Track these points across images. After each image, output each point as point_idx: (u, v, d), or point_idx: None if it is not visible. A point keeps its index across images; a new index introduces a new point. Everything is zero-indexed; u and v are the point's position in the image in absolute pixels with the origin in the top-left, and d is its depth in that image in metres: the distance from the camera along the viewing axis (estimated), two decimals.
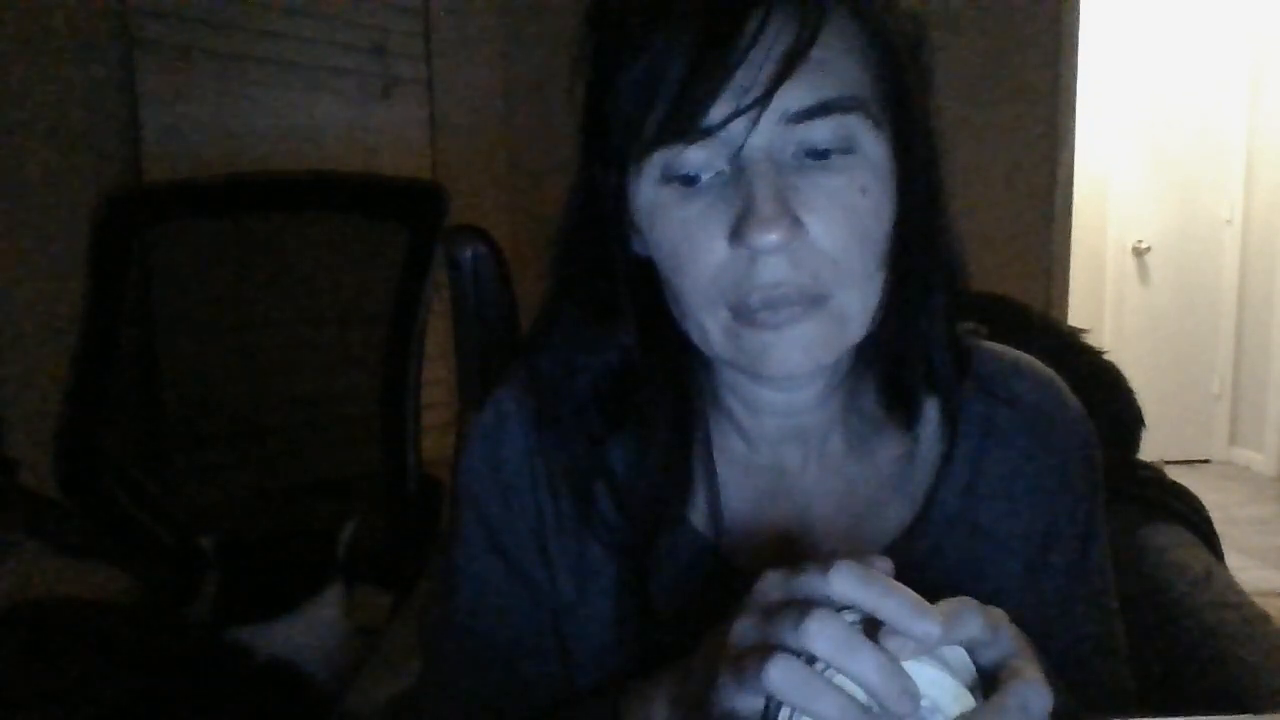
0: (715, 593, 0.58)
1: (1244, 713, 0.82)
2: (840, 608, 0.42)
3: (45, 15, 1.57)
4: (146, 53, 1.72)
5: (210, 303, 1.59)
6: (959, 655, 0.43)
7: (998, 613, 0.44)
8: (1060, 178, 2.77)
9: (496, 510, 0.65)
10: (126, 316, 1.51)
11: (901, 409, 0.63)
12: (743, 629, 0.44)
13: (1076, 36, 2.75)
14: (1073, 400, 0.67)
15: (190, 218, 1.57)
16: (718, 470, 0.63)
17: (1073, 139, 2.80)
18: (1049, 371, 0.67)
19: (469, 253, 1.10)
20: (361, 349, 1.49)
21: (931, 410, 0.64)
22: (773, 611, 0.43)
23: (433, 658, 0.69)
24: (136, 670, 1.13)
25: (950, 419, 0.64)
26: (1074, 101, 2.77)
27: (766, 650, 0.41)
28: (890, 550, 0.62)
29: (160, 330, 1.56)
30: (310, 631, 1.29)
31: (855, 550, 0.46)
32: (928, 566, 0.62)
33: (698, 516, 0.63)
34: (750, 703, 0.43)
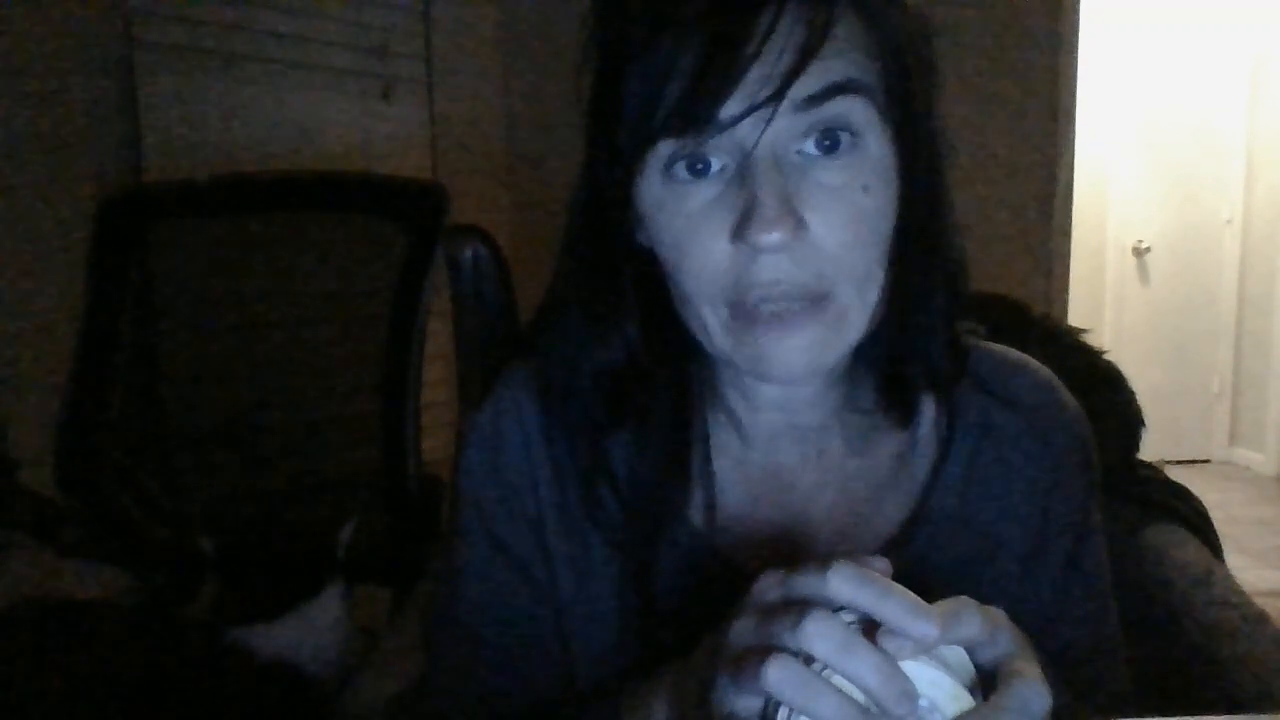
0: (712, 588, 0.59)
1: (1244, 713, 0.82)
2: (838, 608, 0.42)
3: (45, 15, 1.57)
4: (146, 53, 1.72)
5: (210, 303, 1.58)
6: (958, 655, 0.43)
7: (997, 613, 0.44)
8: (1060, 178, 2.77)
9: (496, 508, 0.65)
10: (126, 316, 1.51)
11: (899, 407, 0.63)
12: (741, 629, 0.44)
13: (1076, 37, 2.74)
14: (1071, 401, 0.67)
15: (190, 218, 1.57)
16: (715, 466, 0.64)
17: (1073, 139, 2.80)
18: (1047, 372, 0.68)
19: (469, 253, 1.10)
20: (361, 349, 1.49)
21: (929, 408, 0.65)
22: (771, 612, 0.43)
23: (435, 655, 0.69)
24: (136, 670, 1.13)
25: (948, 417, 0.64)
26: (1074, 102, 2.77)
27: (765, 651, 0.41)
28: (887, 547, 0.62)
29: (160, 330, 1.56)
30: (310, 631, 1.28)
31: (852, 550, 0.46)
32: (924, 563, 0.62)
33: (695, 513, 0.63)
34: (749, 703, 0.43)
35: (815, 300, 0.54)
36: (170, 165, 1.75)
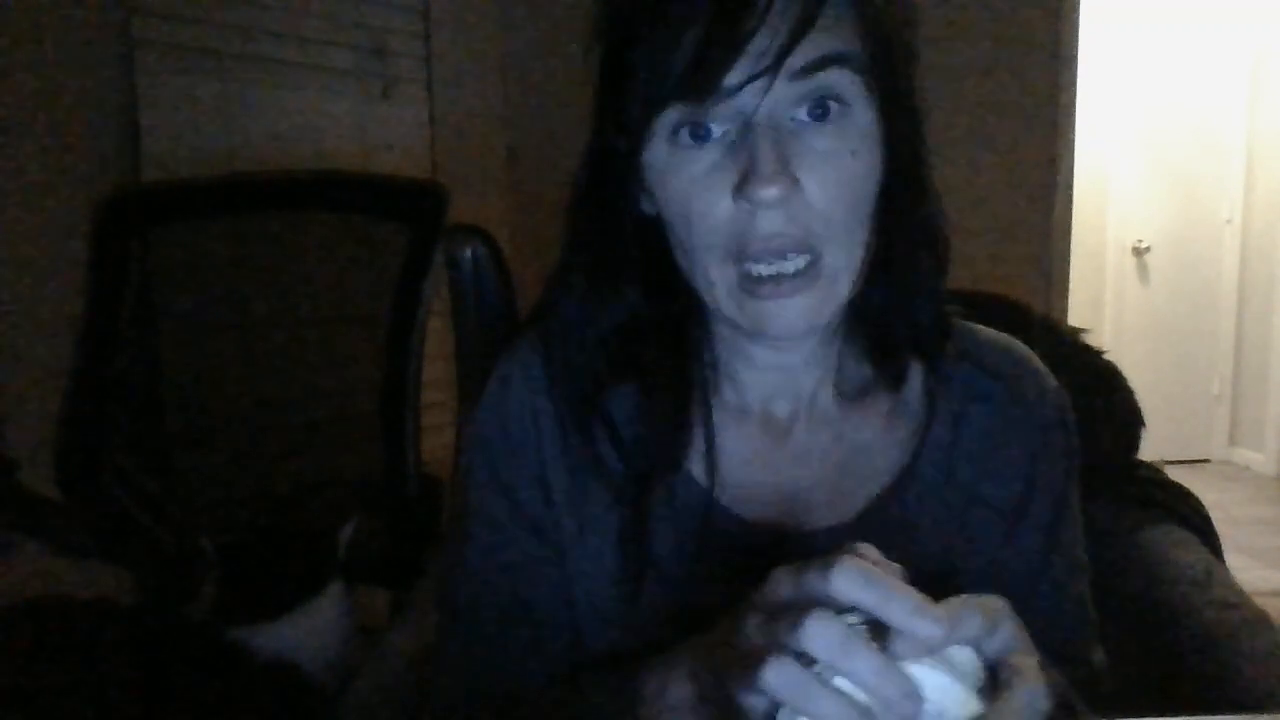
0: (713, 539, 0.64)
1: (1244, 713, 0.83)
2: (850, 608, 0.42)
3: (45, 15, 1.57)
4: (146, 53, 1.72)
5: (210, 303, 1.58)
6: (967, 656, 0.43)
7: (997, 603, 0.45)
8: (1060, 178, 2.76)
9: (503, 462, 0.69)
10: (126, 316, 1.51)
11: (888, 370, 0.67)
12: (749, 628, 0.45)
13: (1076, 37, 2.74)
14: (1050, 377, 0.70)
15: (190, 218, 1.57)
16: (714, 421, 0.67)
17: (1073, 139, 2.80)
18: (1028, 349, 0.71)
19: (469, 253, 1.10)
20: (361, 349, 1.49)
21: (916, 373, 0.69)
22: (778, 611, 0.44)
23: (448, 602, 0.71)
24: (136, 670, 1.13)
25: (933, 381, 0.68)
26: (1074, 101, 2.77)
27: (768, 651, 0.42)
28: (877, 502, 0.66)
29: (160, 330, 1.56)
30: (310, 631, 1.29)
31: (859, 546, 0.46)
32: (914, 520, 0.65)
33: (695, 466, 0.66)
34: (755, 702, 0.43)
35: (807, 258, 0.58)
36: (170, 165, 1.75)
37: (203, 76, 1.84)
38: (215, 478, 1.54)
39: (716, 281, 0.60)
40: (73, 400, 1.45)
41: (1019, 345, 0.71)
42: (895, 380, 0.67)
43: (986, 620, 0.43)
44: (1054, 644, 0.63)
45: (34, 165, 1.56)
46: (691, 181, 0.58)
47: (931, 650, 0.41)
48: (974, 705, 0.42)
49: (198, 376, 1.57)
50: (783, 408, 0.68)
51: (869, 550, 0.45)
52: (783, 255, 0.58)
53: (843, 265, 0.60)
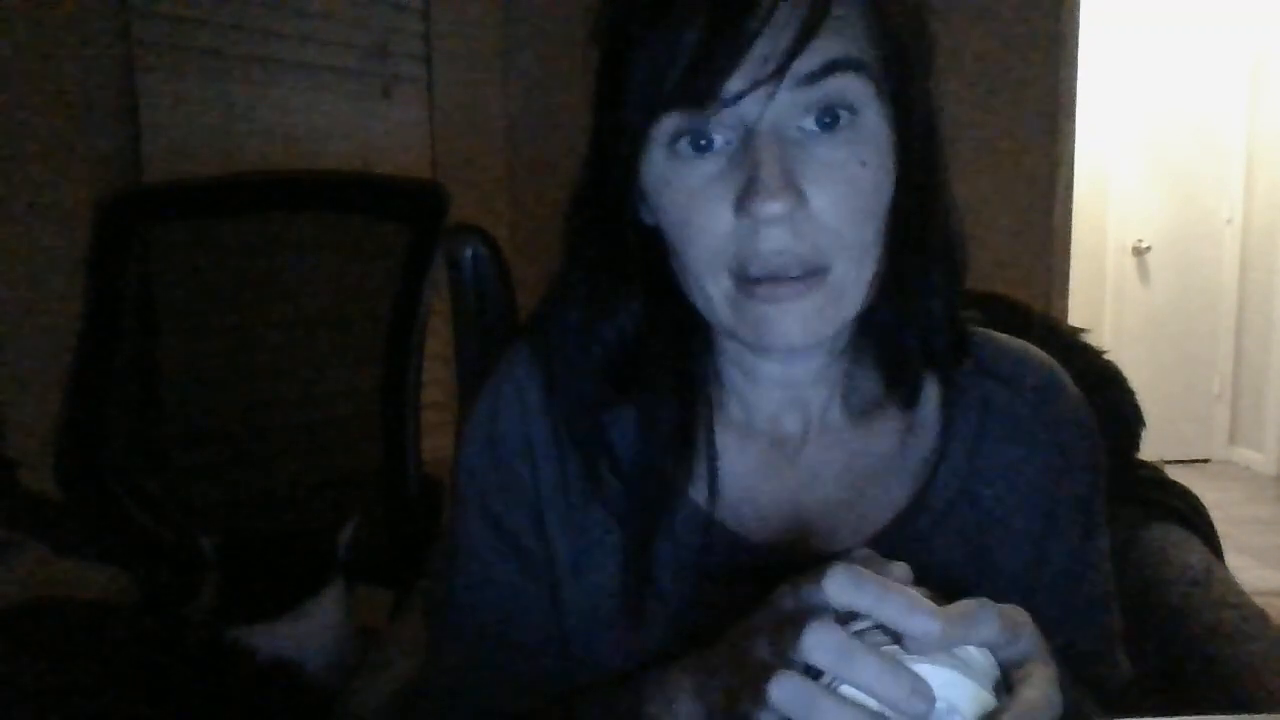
0: (714, 562, 0.61)
1: (1244, 713, 0.83)
2: (856, 615, 0.42)
3: (45, 15, 1.57)
4: (146, 53, 1.72)
5: (210, 303, 1.58)
6: (982, 657, 0.43)
7: (1018, 612, 0.44)
8: (1060, 178, 2.76)
9: (491, 485, 0.66)
10: (126, 316, 1.51)
11: (902, 387, 0.64)
12: (757, 644, 0.45)
13: (1076, 36, 2.74)
14: (1073, 388, 0.67)
15: (190, 218, 1.57)
16: (718, 440, 0.64)
17: (1073, 139, 2.80)
18: (1049, 359, 0.68)
19: (469, 253, 1.10)
20: (361, 349, 1.49)
21: (931, 389, 0.65)
22: (784, 624, 0.44)
23: (434, 632, 0.70)
24: (136, 670, 1.13)
25: (949, 396, 0.65)
26: (1074, 101, 2.77)
27: (775, 667, 0.42)
28: (893, 523, 0.63)
29: (160, 330, 1.56)
30: (310, 631, 1.28)
31: (869, 552, 0.46)
32: (930, 542, 0.62)
33: (697, 489, 0.63)
34: (768, 718, 0.43)
35: (814, 272, 0.55)
36: (170, 165, 1.75)
37: (203, 76, 1.84)
38: (215, 478, 1.54)
39: (712, 293, 0.57)
40: (73, 400, 1.45)
41: (1038, 354, 0.68)
42: (909, 397, 0.64)
43: (1006, 625, 0.43)
44: (1082, 653, 0.63)
45: (34, 165, 1.56)
46: (690, 193, 0.55)
47: (940, 647, 0.41)
48: (986, 698, 0.42)
49: (198, 376, 1.57)
50: (793, 425, 0.65)
51: (869, 556, 0.45)
52: (788, 273, 0.54)
53: (852, 279, 0.56)
